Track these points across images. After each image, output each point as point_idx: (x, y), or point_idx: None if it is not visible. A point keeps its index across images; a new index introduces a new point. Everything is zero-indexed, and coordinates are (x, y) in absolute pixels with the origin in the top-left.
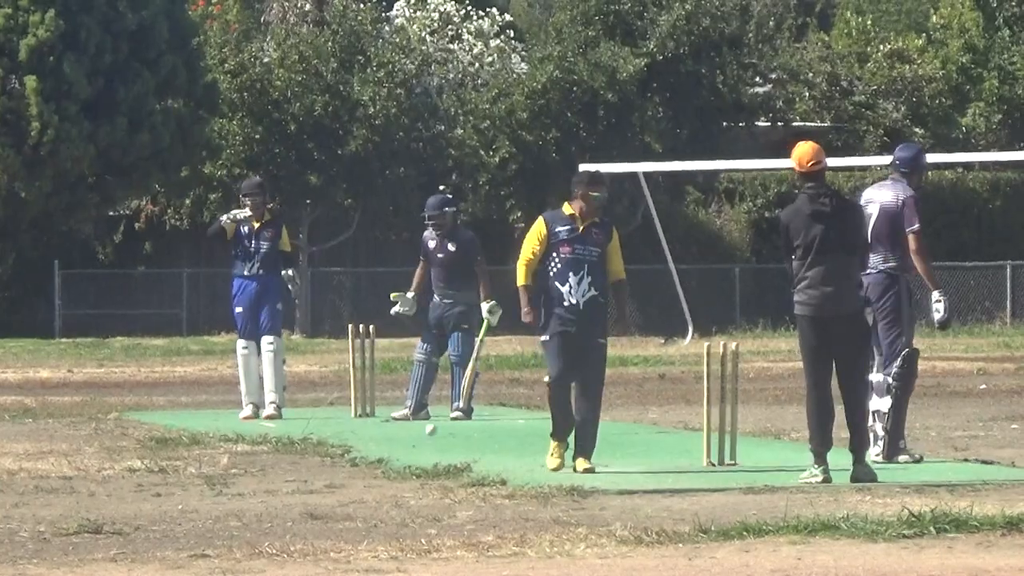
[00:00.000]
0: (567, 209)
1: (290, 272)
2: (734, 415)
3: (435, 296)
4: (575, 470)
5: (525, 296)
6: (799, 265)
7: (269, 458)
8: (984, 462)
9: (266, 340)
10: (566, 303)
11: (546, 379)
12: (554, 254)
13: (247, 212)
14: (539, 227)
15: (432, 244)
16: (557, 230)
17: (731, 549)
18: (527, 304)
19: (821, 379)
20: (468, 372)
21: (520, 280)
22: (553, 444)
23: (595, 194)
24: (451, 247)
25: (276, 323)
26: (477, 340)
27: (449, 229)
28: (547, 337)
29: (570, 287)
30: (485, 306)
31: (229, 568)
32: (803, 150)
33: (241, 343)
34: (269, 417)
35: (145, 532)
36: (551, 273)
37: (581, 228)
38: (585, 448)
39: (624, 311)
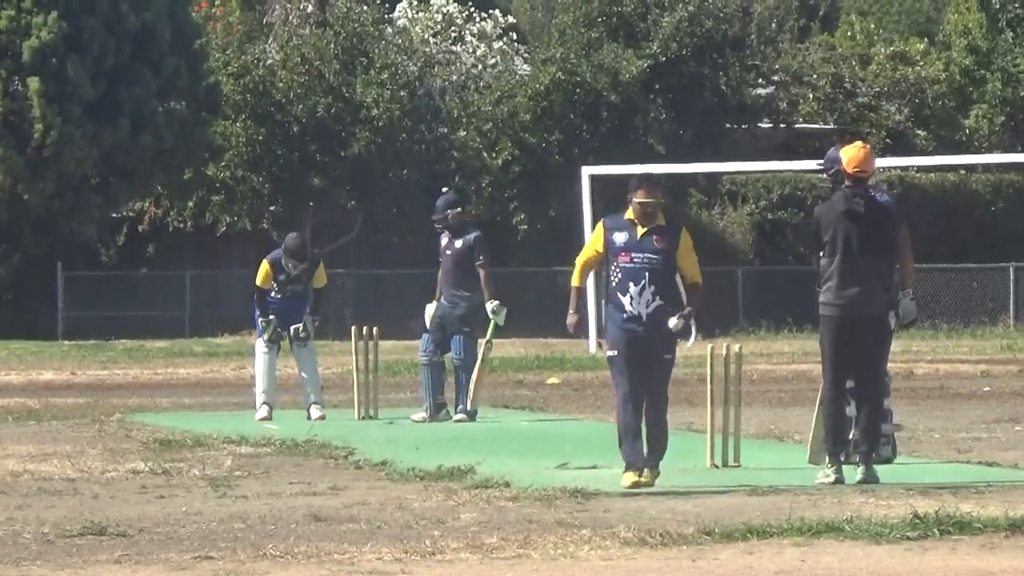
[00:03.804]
0: (628, 215)
1: (307, 322)
2: (738, 417)
3: (441, 297)
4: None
5: (574, 300)
6: (827, 263)
7: (273, 460)
8: (988, 464)
9: (311, 319)
10: (625, 314)
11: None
12: (614, 264)
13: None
14: (598, 233)
15: (443, 242)
16: (614, 237)
17: (735, 551)
18: (573, 308)
19: (839, 379)
20: (475, 374)
21: (573, 281)
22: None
23: (644, 200)
24: (457, 244)
25: (311, 329)
26: (484, 341)
27: (456, 228)
28: (613, 352)
29: (631, 297)
30: (489, 306)
31: (233, 570)
32: (853, 152)
33: (262, 340)
34: (320, 418)
35: (149, 534)
36: (613, 284)
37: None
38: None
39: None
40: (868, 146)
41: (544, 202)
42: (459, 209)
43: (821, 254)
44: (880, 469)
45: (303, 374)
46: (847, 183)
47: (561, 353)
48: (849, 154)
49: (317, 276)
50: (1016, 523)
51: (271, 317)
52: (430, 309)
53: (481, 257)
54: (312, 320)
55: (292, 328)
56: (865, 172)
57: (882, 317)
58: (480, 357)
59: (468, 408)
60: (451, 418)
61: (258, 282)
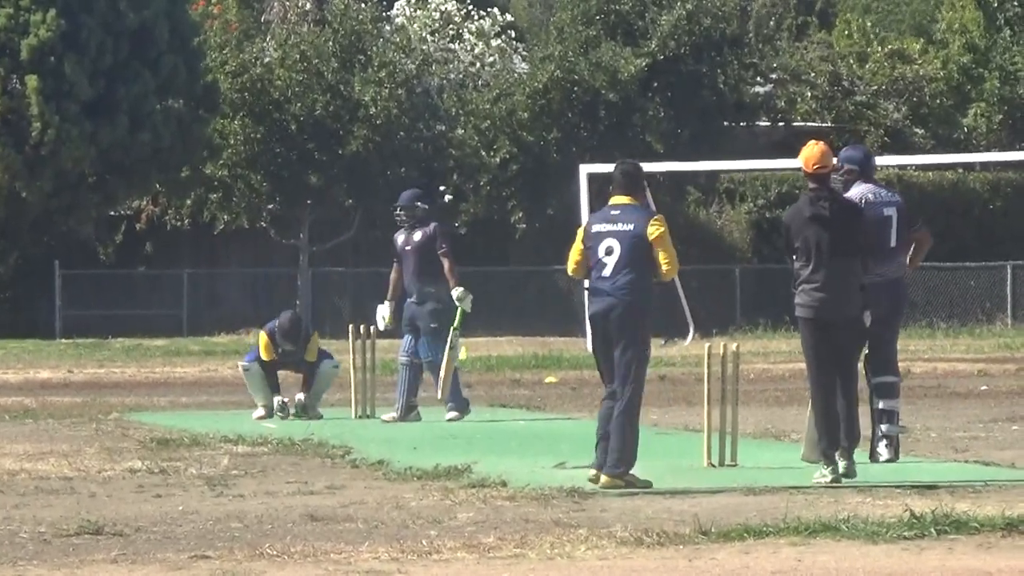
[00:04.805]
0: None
1: (294, 399)
2: (735, 416)
3: (408, 296)
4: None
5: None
6: (800, 267)
7: (270, 459)
8: (985, 463)
9: (331, 363)
10: None
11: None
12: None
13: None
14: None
15: (400, 239)
16: None
17: (732, 550)
18: None
19: (825, 380)
20: (444, 363)
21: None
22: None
23: None
24: (417, 236)
25: (326, 353)
26: (452, 328)
27: (417, 221)
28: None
29: None
30: (455, 293)
31: (230, 569)
32: (810, 151)
33: (243, 364)
34: (311, 418)
35: (146, 533)
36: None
37: None
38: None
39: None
40: (823, 143)
41: (542, 200)
42: (427, 205)
43: (794, 257)
44: (877, 468)
45: (316, 381)
46: (810, 184)
47: (559, 352)
48: (806, 154)
49: (309, 349)
50: (1013, 522)
51: (284, 400)
52: (382, 310)
53: (444, 246)
54: (307, 398)
55: (296, 399)
56: (825, 168)
57: (857, 318)
58: (448, 346)
59: (439, 396)
60: (421, 419)
61: (264, 357)
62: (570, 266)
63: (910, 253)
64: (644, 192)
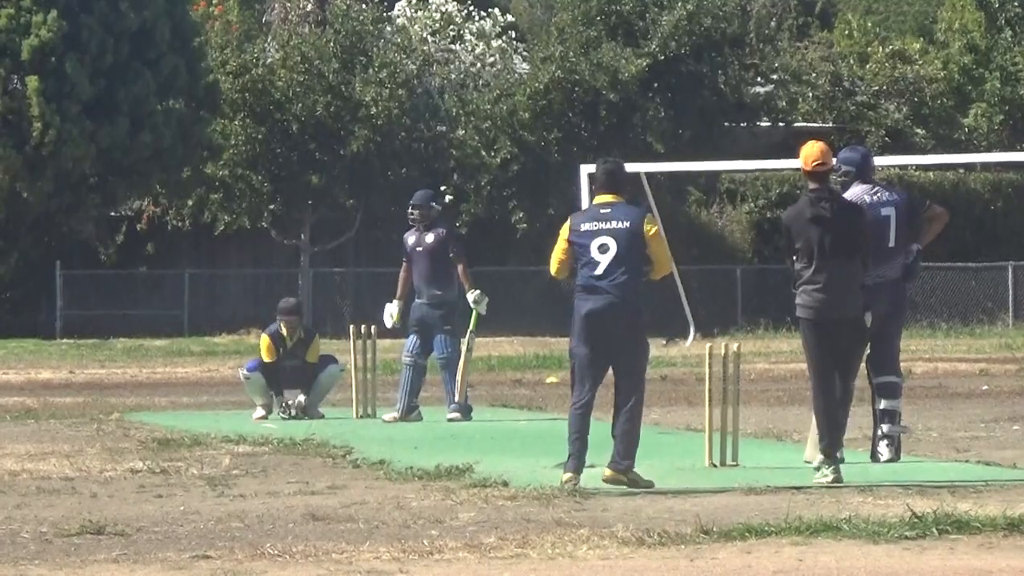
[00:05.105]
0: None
1: (295, 401)
2: (736, 416)
3: (416, 297)
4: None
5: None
6: (801, 267)
7: (271, 459)
8: (986, 463)
9: (337, 367)
10: None
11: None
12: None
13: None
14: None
15: (412, 240)
16: None
17: (733, 550)
18: None
19: (826, 380)
20: (461, 365)
21: None
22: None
23: None
24: (429, 239)
25: (332, 358)
26: (468, 331)
27: (429, 223)
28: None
29: None
30: (471, 296)
31: (231, 569)
32: (809, 150)
33: (243, 372)
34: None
35: (147, 533)
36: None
37: None
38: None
39: None
40: (823, 142)
41: (543, 200)
42: (439, 207)
43: (795, 258)
44: (879, 468)
45: (320, 380)
46: (810, 184)
47: (559, 352)
48: (805, 152)
49: (311, 350)
50: (1014, 522)
51: (288, 402)
52: (390, 308)
53: (456, 249)
54: (308, 399)
55: (296, 401)
56: (825, 166)
57: (858, 318)
58: (465, 348)
59: (456, 400)
60: (422, 419)
61: (265, 359)
62: (553, 266)
63: (926, 230)
64: (629, 189)
